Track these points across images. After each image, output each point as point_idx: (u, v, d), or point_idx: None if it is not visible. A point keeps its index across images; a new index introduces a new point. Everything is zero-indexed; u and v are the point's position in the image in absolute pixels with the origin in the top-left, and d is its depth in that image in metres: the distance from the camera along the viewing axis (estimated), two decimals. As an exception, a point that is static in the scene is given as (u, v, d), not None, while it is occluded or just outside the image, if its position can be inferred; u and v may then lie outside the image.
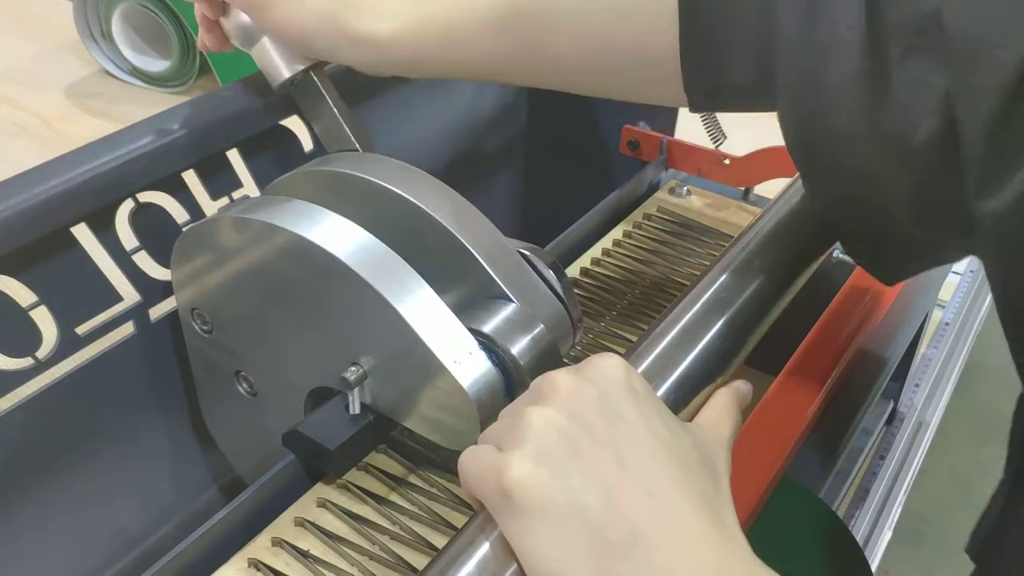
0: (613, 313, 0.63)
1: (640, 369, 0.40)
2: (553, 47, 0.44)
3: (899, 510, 0.67)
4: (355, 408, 0.45)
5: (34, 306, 0.47)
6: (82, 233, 0.47)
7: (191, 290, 0.50)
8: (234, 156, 0.54)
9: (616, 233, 0.70)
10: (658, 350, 0.41)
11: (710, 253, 0.68)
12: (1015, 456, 0.38)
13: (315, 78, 0.50)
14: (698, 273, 0.66)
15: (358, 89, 0.60)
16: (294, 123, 0.56)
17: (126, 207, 0.49)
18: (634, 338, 0.60)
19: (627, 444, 0.31)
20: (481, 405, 0.42)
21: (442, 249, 0.45)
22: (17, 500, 0.50)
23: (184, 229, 0.50)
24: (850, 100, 0.33)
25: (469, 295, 0.45)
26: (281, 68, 0.49)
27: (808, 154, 0.37)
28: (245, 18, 0.48)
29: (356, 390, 0.44)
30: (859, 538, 0.64)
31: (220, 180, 0.53)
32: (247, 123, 0.53)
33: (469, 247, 0.44)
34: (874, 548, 0.64)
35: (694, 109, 0.44)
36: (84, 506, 0.54)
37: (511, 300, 0.44)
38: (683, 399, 0.40)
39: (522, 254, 0.46)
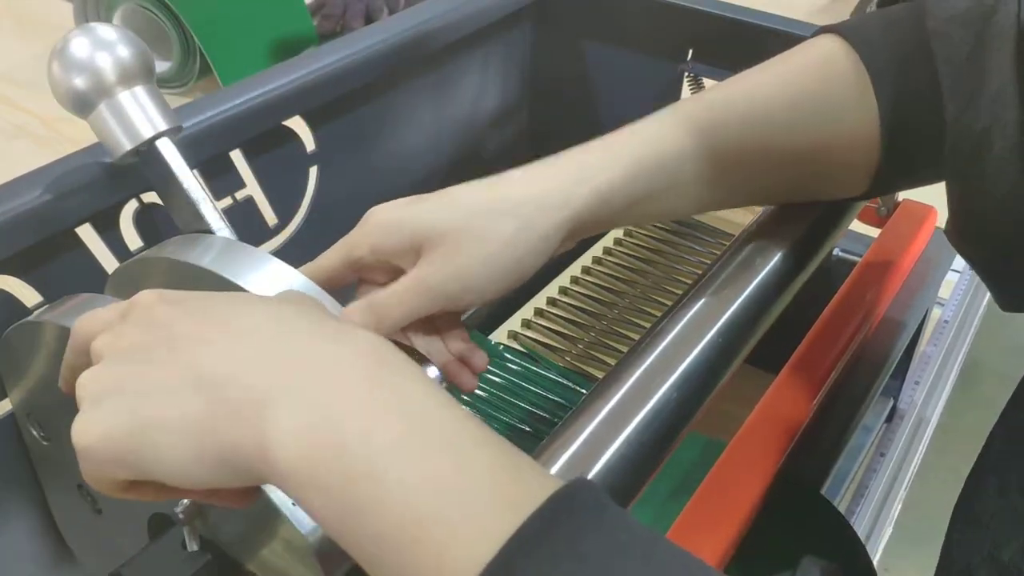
0: (615, 311, 0.63)
1: (642, 367, 0.40)
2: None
3: (899, 507, 0.68)
4: (192, 545, 0.38)
5: (39, 306, 0.47)
6: (87, 234, 0.48)
7: (22, 393, 0.45)
8: (236, 156, 0.54)
9: (617, 232, 0.70)
10: (660, 348, 0.41)
11: (711, 251, 0.69)
12: None
13: (160, 150, 0.43)
14: (699, 271, 0.66)
15: (358, 92, 0.60)
16: (296, 123, 0.57)
17: (130, 208, 0.49)
18: (636, 336, 0.61)
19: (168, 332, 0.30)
20: (323, 555, 0.33)
21: None
22: (19, 502, 0.50)
23: (6, 331, 0.44)
24: (1011, 174, 0.36)
25: None
26: (121, 138, 0.42)
27: (966, 220, 0.39)
28: (78, 83, 0.42)
29: (191, 525, 0.37)
30: (860, 535, 0.65)
31: (223, 180, 0.53)
32: (249, 123, 0.53)
33: None
34: (875, 545, 0.65)
35: (879, 193, 0.47)
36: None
37: None
38: (685, 397, 0.40)
39: None
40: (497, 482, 0.26)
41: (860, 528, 0.66)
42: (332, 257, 0.42)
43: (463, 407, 0.28)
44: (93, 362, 0.31)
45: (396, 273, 0.41)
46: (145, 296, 0.32)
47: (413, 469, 0.26)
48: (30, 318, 0.43)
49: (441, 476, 0.26)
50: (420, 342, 0.42)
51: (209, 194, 0.43)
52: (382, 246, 0.41)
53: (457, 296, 0.40)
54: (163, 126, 0.43)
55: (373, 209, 0.42)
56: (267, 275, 0.38)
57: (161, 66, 1.18)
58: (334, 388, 0.27)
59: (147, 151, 0.43)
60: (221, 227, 0.43)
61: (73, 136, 1.08)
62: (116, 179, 0.47)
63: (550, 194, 0.41)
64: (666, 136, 0.43)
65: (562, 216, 0.41)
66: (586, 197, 0.41)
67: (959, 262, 0.88)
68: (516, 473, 0.26)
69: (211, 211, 0.43)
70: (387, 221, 0.41)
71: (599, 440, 0.37)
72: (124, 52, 0.42)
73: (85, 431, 0.29)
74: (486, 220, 0.40)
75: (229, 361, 0.28)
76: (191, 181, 0.43)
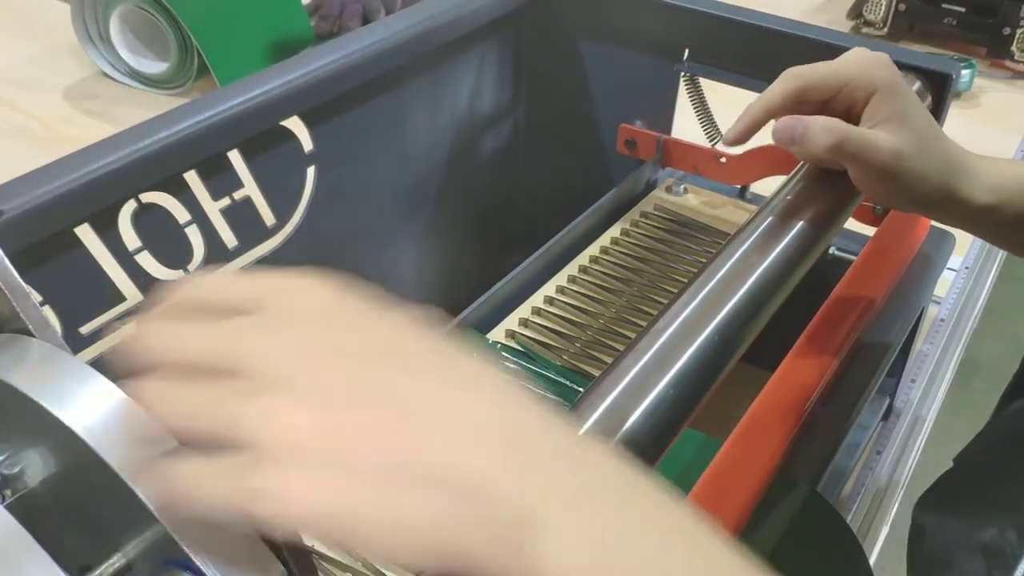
0: (612, 310, 0.63)
1: (638, 366, 0.40)
2: None
3: (896, 506, 0.68)
4: None
5: (38, 306, 0.47)
6: (85, 234, 0.48)
7: None
8: (235, 156, 0.54)
9: (614, 231, 0.70)
10: (655, 347, 0.41)
11: (707, 250, 0.69)
12: None
13: None
14: (695, 270, 0.67)
15: (356, 92, 0.60)
16: (294, 124, 0.57)
17: (129, 207, 0.50)
18: (632, 335, 0.61)
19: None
20: None
21: (107, 495, 0.29)
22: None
23: None
24: None
25: (142, 559, 0.30)
26: None
27: None
28: None
29: None
30: (856, 533, 0.65)
31: (221, 180, 0.54)
32: (247, 124, 0.54)
33: (140, 495, 0.28)
34: (871, 544, 0.65)
35: None
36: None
37: (199, 573, 0.28)
38: (681, 395, 0.40)
39: None
40: None
41: (856, 526, 0.66)
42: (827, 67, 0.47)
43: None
44: (238, 360, 0.25)
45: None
46: (318, 297, 0.26)
47: None
48: None
49: None
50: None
51: (27, 287, 0.35)
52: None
53: (901, 167, 0.46)
54: None
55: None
56: (89, 394, 0.31)
57: (158, 67, 1.18)
58: (605, 503, 0.24)
59: None
60: (42, 327, 0.35)
61: (72, 136, 1.08)
62: (114, 179, 0.47)
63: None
64: None
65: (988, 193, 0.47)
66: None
67: (955, 260, 0.89)
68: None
69: (31, 308, 0.34)
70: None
71: (601, 430, 0.38)
72: None
73: (300, 501, 0.23)
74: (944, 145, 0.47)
75: (472, 453, 0.23)
76: (6, 274, 0.35)
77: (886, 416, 0.74)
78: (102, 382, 0.32)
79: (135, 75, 1.20)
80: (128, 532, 0.30)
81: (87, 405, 0.31)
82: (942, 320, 0.83)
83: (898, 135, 0.45)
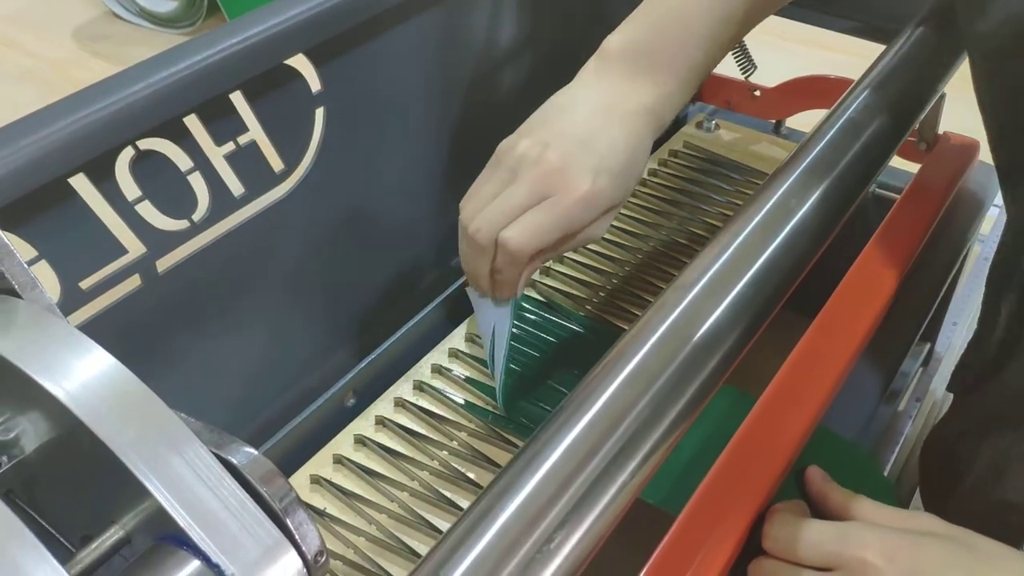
0: (639, 257, 0.60)
1: (669, 319, 0.37)
2: None
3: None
4: None
5: (34, 261, 0.45)
6: (81, 184, 0.45)
7: None
8: (238, 99, 0.51)
9: (641, 171, 0.67)
10: (688, 299, 0.38)
11: (740, 191, 0.65)
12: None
13: None
14: (728, 212, 0.63)
15: (364, 27, 0.57)
16: (299, 62, 0.54)
17: (126, 155, 0.47)
18: (662, 284, 0.58)
19: None
20: None
21: (100, 466, 0.28)
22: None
23: None
24: None
25: (139, 531, 0.29)
26: None
27: None
28: None
29: None
30: (892, 479, 0.63)
31: (224, 124, 0.51)
32: (250, 63, 0.50)
33: (130, 467, 0.27)
34: (908, 496, 0.63)
35: None
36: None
37: (195, 549, 0.27)
38: (715, 347, 0.37)
39: (227, 463, 0.29)
40: None
41: (895, 476, 0.64)
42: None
43: None
44: None
45: None
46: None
47: None
48: None
49: None
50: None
51: (13, 247, 0.33)
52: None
53: None
54: None
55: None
56: (77, 360, 0.30)
57: (168, 5, 1.15)
58: None
59: None
60: (29, 287, 0.33)
61: (81, 79, 1.06)
62: (109, 125, 0.45)
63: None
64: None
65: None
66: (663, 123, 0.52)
67: (1000, 198, 0.84)
68: None
69: (16, 267, 0.33)
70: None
71: (626, 394, 0.35)
72: None
73: None
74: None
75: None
76: None
77: (926, 362, 0.71)
78: (91, 347, 0.30)
79: (145, 14, 1.17)
80: (123, 504, 0.29)
81: (75, 372, 0.30)
82: (986, 259, 0.79)
83: None
